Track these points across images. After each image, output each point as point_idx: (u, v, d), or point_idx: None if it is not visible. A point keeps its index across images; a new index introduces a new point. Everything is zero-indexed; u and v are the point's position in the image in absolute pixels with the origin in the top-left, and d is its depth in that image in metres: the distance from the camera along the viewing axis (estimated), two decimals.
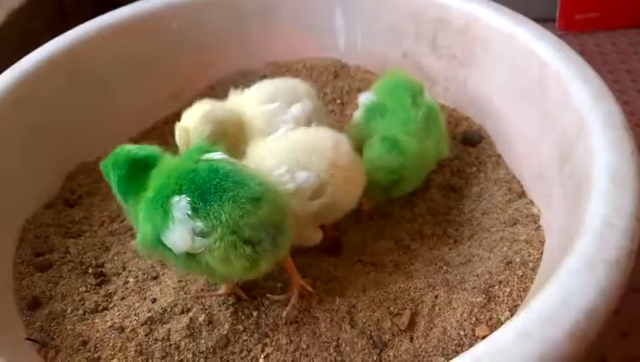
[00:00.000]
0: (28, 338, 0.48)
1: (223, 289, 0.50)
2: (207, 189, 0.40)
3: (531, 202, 0.57)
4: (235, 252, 0.41)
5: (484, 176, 0.63)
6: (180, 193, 0.41)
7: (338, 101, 0.76)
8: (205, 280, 0.51)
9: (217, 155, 0.44)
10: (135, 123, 0.73)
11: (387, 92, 0.61)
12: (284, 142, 0.51)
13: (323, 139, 0.51)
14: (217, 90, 0.78)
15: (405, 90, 0.60)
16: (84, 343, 0.48)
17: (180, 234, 0.40)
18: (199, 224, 0.40)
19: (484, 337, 0.45)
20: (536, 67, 0.58)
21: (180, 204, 0.40)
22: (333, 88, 0.77)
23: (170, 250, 0.42)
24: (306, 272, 0.52)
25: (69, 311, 0.51)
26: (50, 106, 0.65)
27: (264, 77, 0.78)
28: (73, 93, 0.67)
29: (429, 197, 0.61)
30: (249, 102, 0.58)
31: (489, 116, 0.67)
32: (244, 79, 0.79)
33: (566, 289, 0.36)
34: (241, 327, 0.48)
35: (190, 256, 0.42)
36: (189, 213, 0.40)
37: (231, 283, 0.50)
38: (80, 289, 0.53)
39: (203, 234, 0.40)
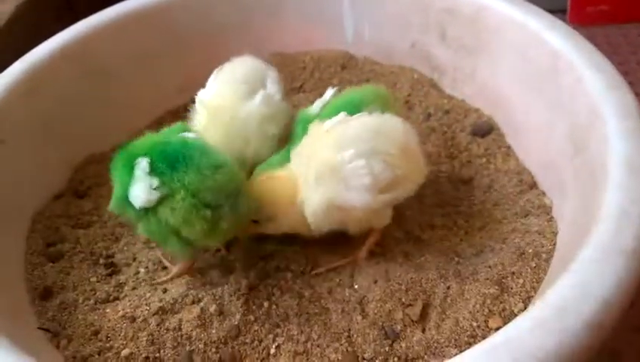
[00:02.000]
0: (40, 328, 0.48)
1: (176, 269, 0.52)
2: (176, 158, 0.46)
3: (543, 193, 0.57)
4: (196, 213, 0.45)
5: (495, 167, 0.62)
6: (144, 156, 0.46)
7: None
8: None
9: (191, 135, 0.49)
10: (143, 114, 0.73)
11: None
12: (353, 129, 0.47)
13: (393, 126, 0.49)
14: None
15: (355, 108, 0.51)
16: (96, 333, 0.48)
17: (139, 190, 0.45)
18: (155, 181, 0.45)
19: (497, 329, 0.45)
20: (548, 56, 0.57)
21: (142, 164, 0.45)
22: (341, 80, 0.76)
23: (134, 209, 0.46)
24: (316, 263, 0.52)
25: (80, 301, 0.51)
26: (59, 98, 0.65)
27: None
28: (82, 84, 0.67)
29: (438, 189, 0.61)
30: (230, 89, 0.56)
31: (499, 106, 0.66)
32: None
33: (583, 278, 0.36)
34: (252, 317, 0.48)
35: (152, 215, 0.46)
36: (147, 171, 0.45)
37: (187, 264, 0.52)
38: (91, 280, 0.53)
39: (158, 190, 0.45)
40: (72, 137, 0.65)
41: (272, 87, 0.57)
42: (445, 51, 0.71)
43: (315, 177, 0.47)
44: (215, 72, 0.58)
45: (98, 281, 0.53)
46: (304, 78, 0.77)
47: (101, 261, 0.55)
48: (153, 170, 0.45)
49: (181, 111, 0.75)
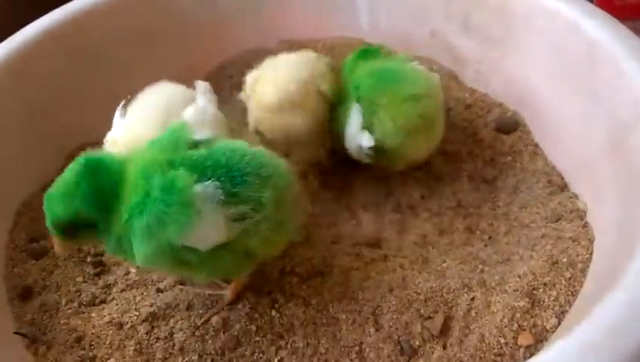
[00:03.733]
0: (16, 332, 0.43)
1: (234, 287, 0.45)
2: (236, 172, 0.36)
3: (575, 195, 0.52)
4: (278, 230, 0.39)
5: (521, 166, 0.57)
6: (202, 180, 0.36)
7: None
8: None
9: (205, 134, 0.40)
10: None
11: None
12: None
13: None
14: (228, 70, 0.73)
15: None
16: (79, 339, 0.43)
17: (209, 227, 0.36)
18: (232, 210, 0.36)
19: (527, 346, 0.40)
20: (584, 46, 0.52)
21: (208, 190, 0.35)
22: None
23: (191, 251, 0.36)
24: (326, 266, 0.48)
25: (63, 304, 0.46)
26: (49, 83, 0.60)
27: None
28: (73, 68, 0.62)
29: (458, 189, 0.56)
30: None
31: (526, 101, 0.61)
32: (257, 58, 0.74)
33: (637, 294, 0.31)
34: (253, 327, 0.43)
35: (224, 250, 0.37)
36: (222, 198, 0.35)
37: (239, 285, 0.45)
38: (77, 280, 0.48)
39: (238, 218, 0.37)
40: (62, 125, 0.61)
41: (202, 99, 0.49)
42: (468, 41, 0.66)
43: None
44: (118, 109, 0.50)
45: (84, 281, 0.48)
46: None
47: (89, 259, 0.50)
48: (227, 195, 0.36)
49: None
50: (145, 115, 0.47)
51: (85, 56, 0.63)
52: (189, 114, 0.47)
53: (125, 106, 0.48)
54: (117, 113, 0.48)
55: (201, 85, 0.51)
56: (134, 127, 0.46)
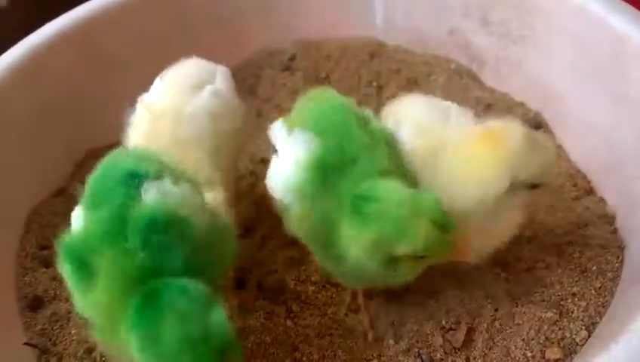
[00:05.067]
0: (27, 343, 0.42)
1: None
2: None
3: (603, 200, 0.50)
4: None
5: None
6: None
7: (374, 84, 0.68)
8: None
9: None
10: None
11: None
12: None
13: None
14: (243, 72, 0.71)
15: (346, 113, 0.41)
16: (90, 351, 0.42)
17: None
18: None
19: (555, 360, 0.38)
20: (612, 43, 0.50)
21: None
22: (369, 70, 0.70)
23: None
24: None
25: (74, 313, 0.45)
26: (60, 87, 0.59)
27: (293, 58, 0.72)
28: (85, 72, 0.61)
29: None
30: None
31: (548, 101, 0.59)
32: (272, 59, 0.73)
33: None
34: (268, 339, 0.41)
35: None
36: None
37: None
38: None
39: None
40: (74, 129, 0.60)
41: (221, 82, 0.50)
42: (487, 38, 0.64)
43: None
44: (159, 76, 0.52)
45: None
46: (329, 67, 0.71)
47: None
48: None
49: None
50: (178, 83, 0.49)
51: (96, 60, 0.62)
52: (206, 93, 0.48)
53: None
54: (157, 79, 0.51)
55: (223, 70, 0.51)
56: (168, 93, 0.48)
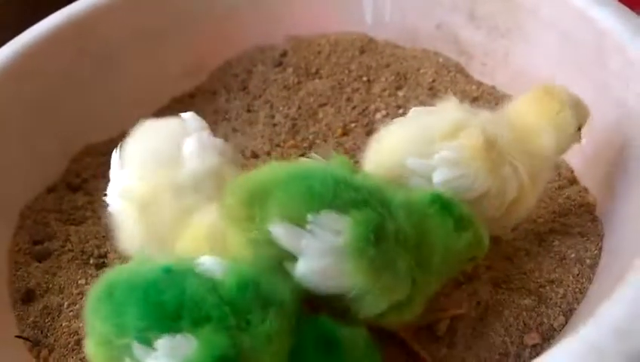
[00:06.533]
0: (18, 336, 0.43)
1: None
2: None
3: (585, 189, 0.50)
4: None
5: None
6: None
7: (364, 78, 0.69)
8: None
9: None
10: (146, 102, 0.67)
11: None
12: None
13: None
14: (235, 68, 0.72)
15: None
16: (80, 342, 0.43)
17: None
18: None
19: (533, 346, 0.39)
20: (594, 35, 0.51)
21: None
22: (360, 65, 0.70)
23: None
24: None
25: (65, 306, 0.46)
26: (55, 83, 0.60)
27: (285, 54, 0.72)
28: (79, 68, 0.62)
29: None
30: None
31: None
32: (263, 55, 0.73)
33: None
34: None
35: None
36: None
37: None
38: (79, 282, 0.48)
39: None
40: (68, 125, 0.61)
41: (194, 124, 0.44)
42: (474, 32, 0.64)
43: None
44: (114, 154, 0.44)
45: (87, 284, 0.48)
46: (320, 63, 0.71)
47: (92, 261, 0.50)
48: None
49: (186, 99, 0.70)
50: (151, 159, 0.42)
51: (90, 56, 0.63)
52: (190, 147, 0.42)
53: (120, 154, 0.44)
54: (114, 162, 0.43)
55: (189, 118, 0.46)
56: (146, 174, 0.41)
